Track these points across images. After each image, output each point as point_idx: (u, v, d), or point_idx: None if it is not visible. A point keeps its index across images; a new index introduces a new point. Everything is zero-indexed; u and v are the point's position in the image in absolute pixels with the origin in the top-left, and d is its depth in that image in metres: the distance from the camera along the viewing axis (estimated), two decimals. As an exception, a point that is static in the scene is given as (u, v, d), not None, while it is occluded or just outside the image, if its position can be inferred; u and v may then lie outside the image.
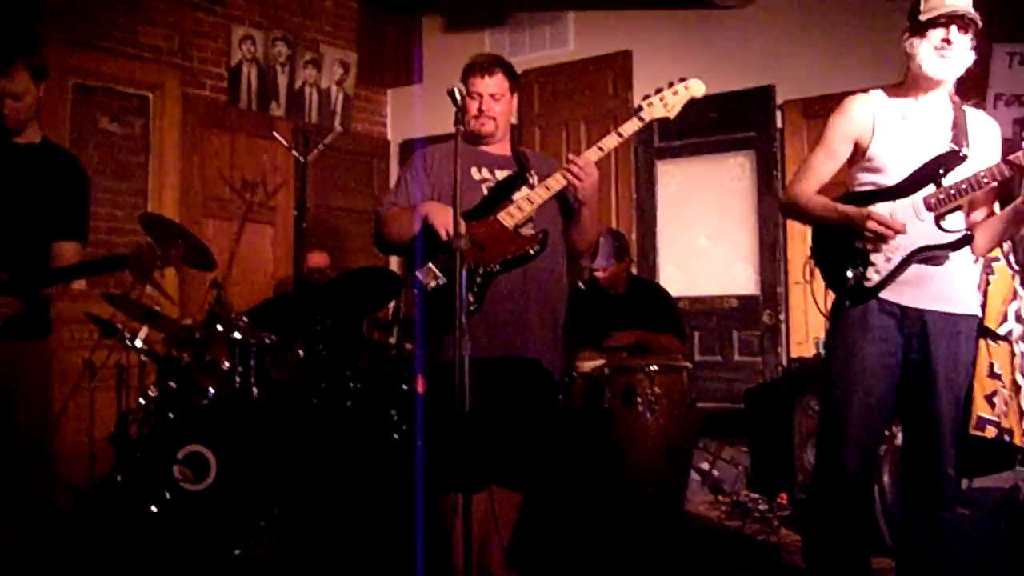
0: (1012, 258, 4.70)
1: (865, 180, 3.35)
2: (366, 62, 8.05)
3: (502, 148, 3.87)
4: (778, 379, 6.26)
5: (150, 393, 5.16)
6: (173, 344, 5.46)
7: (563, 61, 7.40)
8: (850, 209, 3.27)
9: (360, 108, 8.10)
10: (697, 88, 3.65)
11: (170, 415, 5.00)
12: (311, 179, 7.07)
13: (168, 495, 4.81)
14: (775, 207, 6.42)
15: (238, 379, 5.17)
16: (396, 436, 5.31)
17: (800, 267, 6.26)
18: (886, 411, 3.30)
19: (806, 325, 6.24)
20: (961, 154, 3.18)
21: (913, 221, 3.20)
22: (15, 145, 3.61)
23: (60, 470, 4.61)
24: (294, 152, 6.06)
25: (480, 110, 3.73)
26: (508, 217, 3.59)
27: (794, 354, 6.15)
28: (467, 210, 3.53)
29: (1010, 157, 3.08)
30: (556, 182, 3.59)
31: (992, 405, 4.66)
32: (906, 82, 3.34)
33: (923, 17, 3.19)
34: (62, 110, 6.02)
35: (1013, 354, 4.67)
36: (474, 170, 3.71)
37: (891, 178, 3.26)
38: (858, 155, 3.37)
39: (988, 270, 4.75)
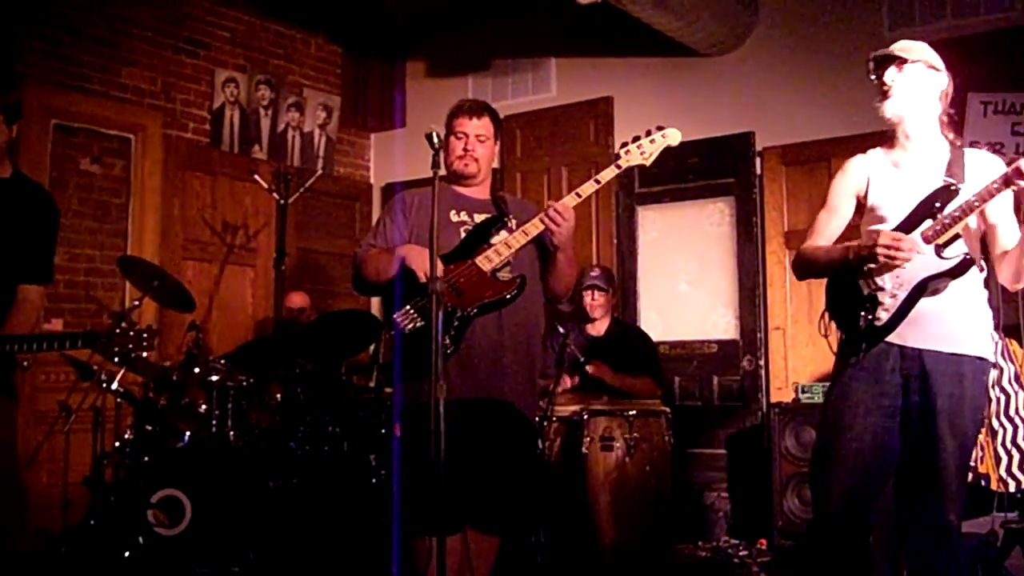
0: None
1: (871, 229, 3.35)
2: (349, 106, 8.08)
3: (481, 192, 3.88)
4: (758, 424, 6.27)
5: (126, 436, 5.12)
6: (150, 387, 5.43)
7: (545, 107, 7.44)
8: (853, 243, 3.30)
9: (343, 151, 8.13)
10: (674, 137, 3.68)
11: (145, 458, 4.96)
12: (293, 222, 7.08)
13: (142, 540, 4.76)
14: (754, 253, 6.46)
15: (215, 422, 5.14)
16: (374, 480, 5.28)
17: (779, 311, 6.29)
18: (884, 454, 3.23)
19: (786, 370, 6.25)
20: (952, 188, 3.17)
21: (914, 256, 3.16)
22: None
23: (33, 514, 4.55)
24: (275, 195, 6.06)
25: (465, 150, 3.76)
26: (486, 261, 3.60)
27: (774, 399, 6.15)
28: (445, 253, 3.54)
29: (1008, 170, 3.04)
30: (534, 227, 3.60)
31: (969, 451, 4.66)
32: (890, 134, 3.38)
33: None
34: (42, 151, 6.01)
35: (989, 400, 4.68)
36: (452, 213, 3.73)
37: (892, 223, 3.26)
38: (863, 210, 3.41)
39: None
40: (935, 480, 3.15)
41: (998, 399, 4.71)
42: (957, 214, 3.12)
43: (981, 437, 4.69)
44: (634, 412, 4.97)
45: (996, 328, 4.71)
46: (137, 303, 4.99)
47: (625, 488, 4.92)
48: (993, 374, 4.71)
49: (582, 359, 5.50)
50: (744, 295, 6.53)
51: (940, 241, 3.14)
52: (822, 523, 3.31)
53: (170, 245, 6.71)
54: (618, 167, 3.67)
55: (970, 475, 4.64)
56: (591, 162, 6.92)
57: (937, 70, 3.28)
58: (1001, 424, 4.71)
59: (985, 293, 3.28)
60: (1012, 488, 4.70)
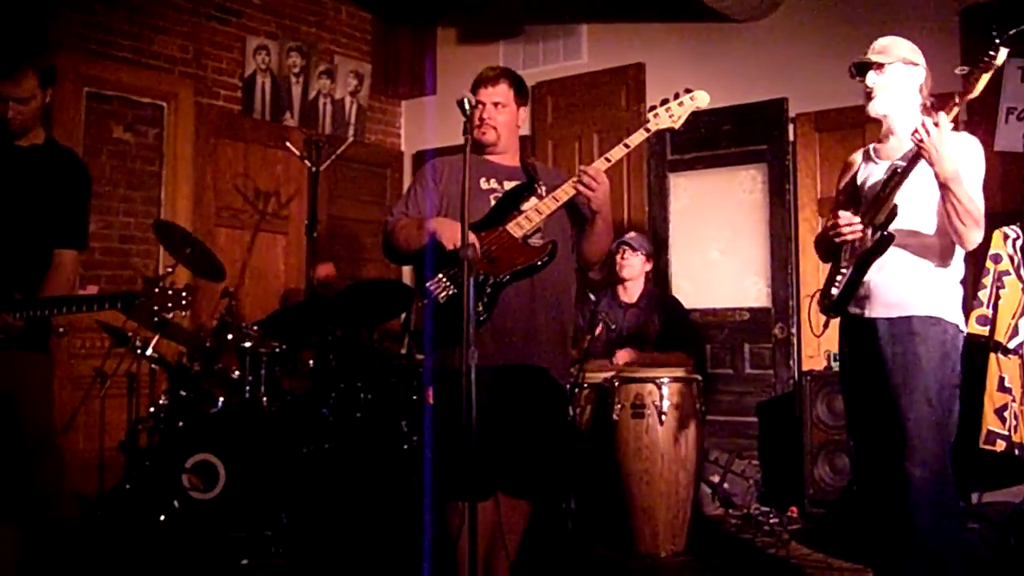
0: (1023, 271, 4.69)
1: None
2: (380, 73, 8.08)
3: (511, 159, 3.88)
4: (789, 392, 6.25)
5: (160, 402, 5.18)
6: (184, 353, 5.47)
7: (576, 73, 7.39)
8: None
9: (374, 119, 8.13)
10: (702, 99, 3.69)
11: (180, 424, 5.02)
12: (324, 190, 7.09)
13: (177, 504, 4.82)
14: (787, 220, 6.43)
15: (248, 388, 5.19)
16: (406, 446, 5.31)
17: (811, 279, 6.26)
18: (885, 408, 3.42)
19: (817, 338, 6.20)
20: (897, 170, 3.35)
21: (864, 238, 3.42)
22: (18, 148, 3.64)
23: (70, 478, 4.62)
24: (306, 162, 6.07)
25: (481, 118, 3.76)
26: (517, 228, 3.60)
27: (805, 367, 6.13)
28: (475, 220, 3.53)
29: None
30: (564, 193, 3.60)
31: (1002, 419, 4.64)
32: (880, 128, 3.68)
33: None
34: (76, 119, 6.04)
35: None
36: (482, 180, 3.73)
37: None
38: None
39: (999, 284, 4.75)
40: (896, 432, 3.34)
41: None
42: (884, 194, 3.36)
43: (1016, 406, 4.66)
44: (665, 379, 4.97)
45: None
46: (171, 269, 5.03)
47: (655, 455, 4.93)
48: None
49: (612, 327, 5.51)
50: (776, 263, 6.49)
51: (876, 222, 3.33)
52: (862, 480, 3.65)
53: (203, 212, 6.75)
54: (647, 130, 3.68)
55: (1004, 444, 4.64)
56: (622, 129, 6.86)
57: (915, 64, 3.51)
58: (1035, 394, 4.68)
59: (940, 260, 3.44)
60: (1046, 457, 4.67)
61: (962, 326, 3.46)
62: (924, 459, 3.28)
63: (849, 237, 3.41)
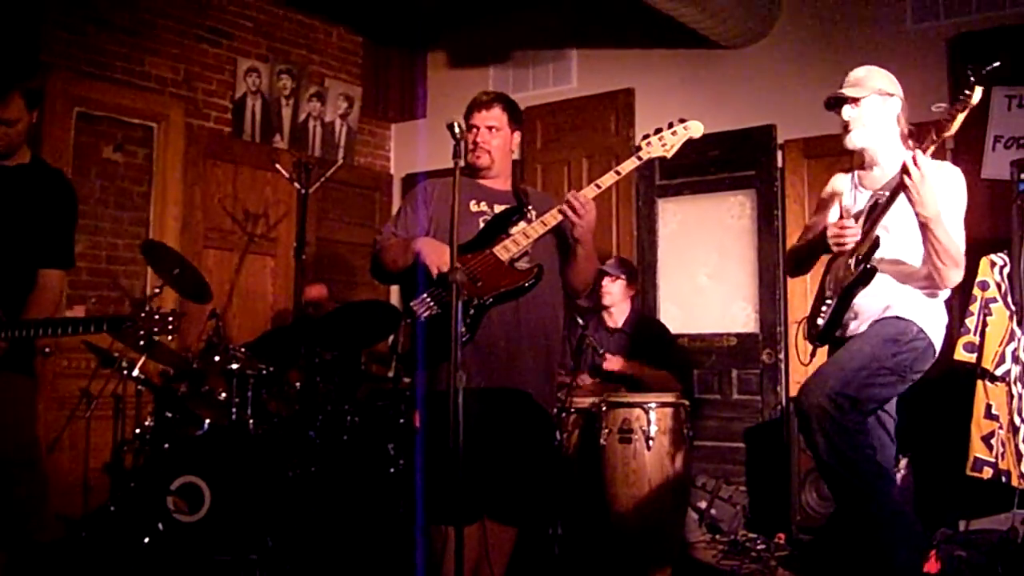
0: (1009, 298, 4.70)
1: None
2: (370, 96, 8.09)
3: (502, 183, 3.89)
4: (777, 418, 6.24)
5: (146, 423, 5.15)
6: (170, 374, 5.45)
7: (566, 98, 7.42)
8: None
9: (364, 142, 8.14)
10: (696, 129, 3.68)
11: (165, 445, 4.99)
12: (314, 212, 7.09)
13: (161, 526, 4.79)
14: (775, 246, 6.43)
15: (234, 410, 5.16)
16: (393, 470, 5.29)
17: (799, 305, 6.26)
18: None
19: (805, 366, 6.20)
20: (879, 201, 3.38)
21: (847, 267, 3.47)
22: (4, 168, 3.65)
23: (54, 500, 4.59)
24: (296, 184, 6.07)
25: (475, 142, 3.77)
26: (503, 251, 3.61)
27: (793, 393, 6.12)
28: (463, 242, 3.54)
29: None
30: (553, 218, 3.61)
31: (989, 447, 4.64)
32: (858, 156, 3.70)
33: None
34: (65, 139, 6.03)
35: (1011, 395, 4.66)
36: (472, 203, 3.74)
37: None
38: None
39: (986, 311, 4.76)
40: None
41: (1020, 395, 4.68)
42: (866, 228, 3.39)
43: (1003, 433, 4.67)
44: (652, 404, 4.96)
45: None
46: (158, 290, 5.02)
47: (642, 480, 4.91)
48: (1015, 369, 4.69)
49: (601, 350, 5.50)
50: (764, 288, 6.50)
51: (859, 253, 3.37)
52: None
53: (191, 233, 6.73)
54: (639, 159, 3.68)
55: (991, 471, 4.64)
56: (612, 154, 6.90)
57: (890, 95, 3.54)
58: (1023, 420, 4.69)
59: (924, 285, 3.47)
60: (1033, 484, 4.67)
61: (933, 338, 3.48)
62: (819, 387, 3.36)
63: (850, 243, 3.41)
